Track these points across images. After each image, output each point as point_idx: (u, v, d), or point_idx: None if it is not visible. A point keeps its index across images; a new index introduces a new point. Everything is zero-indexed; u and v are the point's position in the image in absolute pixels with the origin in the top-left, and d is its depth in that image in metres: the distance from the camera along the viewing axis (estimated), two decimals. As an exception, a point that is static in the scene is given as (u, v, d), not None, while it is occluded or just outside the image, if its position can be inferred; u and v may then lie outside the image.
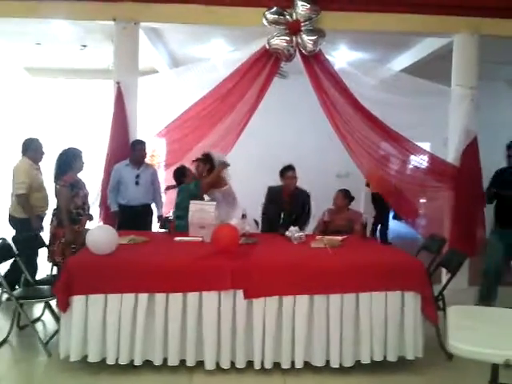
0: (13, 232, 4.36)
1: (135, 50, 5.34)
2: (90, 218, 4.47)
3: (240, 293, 3.09)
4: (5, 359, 3.46)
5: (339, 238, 3.95)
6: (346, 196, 4.73)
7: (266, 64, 5.30)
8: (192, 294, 3.08)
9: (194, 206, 4.20)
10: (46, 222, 4.47)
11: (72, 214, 4.06)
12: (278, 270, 3.16)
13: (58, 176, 4.12)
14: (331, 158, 8.02)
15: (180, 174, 4.76)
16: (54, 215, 4.14)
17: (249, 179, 6.26)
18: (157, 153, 5.57)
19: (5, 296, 3.49)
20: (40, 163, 4.62)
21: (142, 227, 4.64)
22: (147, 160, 5.17)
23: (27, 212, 4.35)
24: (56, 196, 4.15)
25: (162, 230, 4.94)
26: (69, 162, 4.14)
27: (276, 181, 5.11)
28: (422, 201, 5.94)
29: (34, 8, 5.12)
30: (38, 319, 3.90)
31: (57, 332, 3.64)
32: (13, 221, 4.43)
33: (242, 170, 5.32)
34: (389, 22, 5.40)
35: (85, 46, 6.96)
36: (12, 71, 5.10)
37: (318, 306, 3.11)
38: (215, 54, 6.74)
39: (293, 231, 4.02)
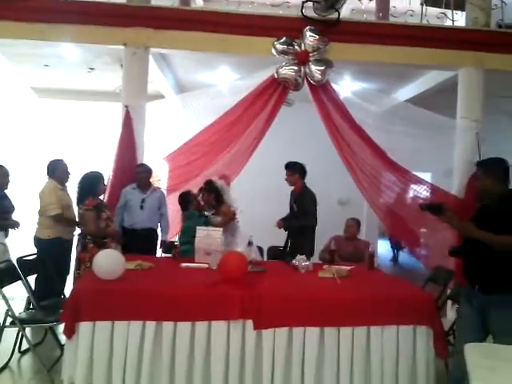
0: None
1: (144, 75, 5.40)
2: (120, 240, 4.50)
3: (249, 323, 3.04)
4: (6, 384, 3.39)
5: (347, 267, 3.93)
6: (358, 224, 4.75)
7: (274, 93, 5.37)
8: (200, 322, 3.02)
9: (200, 231, 4.17)
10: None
11: (97, 237, 4.03)
12: (288, 301, 3.11)
13: (81, 200, 4.13)
14: (333, 184, 8.03)
15: (185, 199, 4.74)
16: (78, 240, 4.15)
17: (253, 206, 6.26)
18: (160, 177, 5.55)
19: (9, 320, 3.41)
20: (66, 184, 4.65)
21: (146, 251, 4.60)
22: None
23: (71, 222, 4.42)
24: (80, 220, 4.17)
25: (166, 255, 4.93)
26: (91, 185, 4.17)
27: (281, 207, 5.15)
28: (422, 230, 5.94)
29: (44, 31, 5.20)
30: (39, 344, 3.81)
31: (59, 358, 3.59)
32: (38, 242, 4.44)
33: (246, 197, 5.32)
34: (395, 55, 5.51)
35: (92, 68, 7.04)
36: (19, 91, 5.07)
37: (329, 339, 3.05)
38: (221, 80, 6.83)
39: (299, 260, 4.00)
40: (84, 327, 2.97)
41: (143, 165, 5.07)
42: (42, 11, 5.16)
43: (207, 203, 4.69)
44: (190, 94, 5.86)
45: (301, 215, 4.87)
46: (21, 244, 4.48)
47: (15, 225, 4.33)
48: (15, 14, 5.10)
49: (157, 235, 5.07)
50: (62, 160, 4.56)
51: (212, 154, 5.40)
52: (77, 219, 4.43)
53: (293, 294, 3.20)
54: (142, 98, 5.34)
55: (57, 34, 5.25)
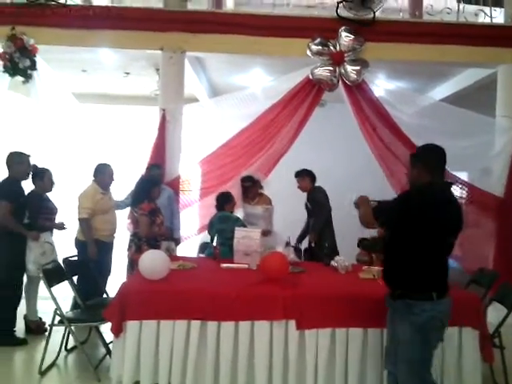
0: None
1: (181, 79, 5.48)
2: (177, 242, 4.58)
3: (292, 323, 3.05)
4: (55, 381, 3.51)
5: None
6: None
7: (309, 94, 5.38)
8: (244, 322, 3.06)
9: (239, 232, 4.22)
10: (120, 247, 4.62)
11: (151, 240, 4.12)
12: (331, 302, 3.11)
13: (136, 203, 4.21)
14: (362, 185, 7.94)
15: (224, 200, 4.75)
16: (132, 241, 4.22)
17: (282, 206, 6.26)
18: (189, 180, 5.60)
19: (57, 319, 3.51)
20: (110, 188, 4.70)
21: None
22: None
23: (86, 236, 4.42)
24: (134, 223, 4.26)
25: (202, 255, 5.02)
26: (146, 190, 4.24)
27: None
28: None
29: (83, 37, 5.34)
30: (84, 342, 3.92)
31: (105, 356, 3.68)
32: (77, 243, 4.53)
33: (275, 197, 5.36)
34: (432, 53, 5.44)
35: (128, 73, 7.17)
36: (62, 97, 5.23)
37: (372, 340, 3.05)
38: (254, 82, 6.86)
39: (339, 261, 3.99)
40: (131, 326, 3.04)
41: (159, 166, 5.12)
42: (80, 18, 5.30)
43: (254, 196, 4.87)
44: (224, 96, 5.90)
45: (316, 210, 5.10)
46: (66, 244, 4.60)
47: (61, 226, 4.44)
48: (55, 20, 5.24)
49: (169, 233, 5.11)
50: (108, 165, 4.63)
51: (246, 157, 5.44)
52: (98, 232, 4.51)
53: (335, 294, 3.20)
54: (179, 102, 5.43)
55: (95, 40, 5.38)
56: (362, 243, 4.50)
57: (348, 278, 3.70)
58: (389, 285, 2.61)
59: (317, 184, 5.34)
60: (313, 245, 5.11)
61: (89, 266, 4.08)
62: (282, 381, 3.04)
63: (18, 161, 4.19)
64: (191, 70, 6.30)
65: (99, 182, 4.56)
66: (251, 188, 4.90)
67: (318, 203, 5.09)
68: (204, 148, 5.69)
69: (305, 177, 5.25)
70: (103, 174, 4.58)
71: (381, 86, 5.80)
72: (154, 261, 3.27)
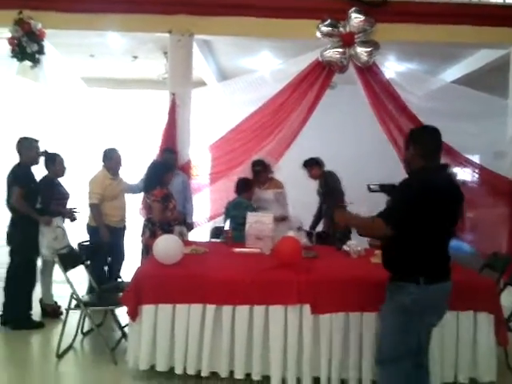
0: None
1: (189, 62, 5.43)
2: (190, 227, 4.68)
3: (306, 307, 3.07)
4: (72, 365, 3.56)
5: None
6: None
7: (319, 76, 5.32)
8: (258, 307, 3.08)
9: (251, 217, 4.23)
10: (134, 232, 4.65)
11: (164, 225, 4.14)
12: (345, 286, 3.13)
13: (148, 188, 4.21)
14: (372, 168, 7.93)
15: (243, 186, 4.71)
16: (146, 226, 4.23)
17: (292, 190, 6.25)
18: (196, 165, 5.58)
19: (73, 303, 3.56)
20: (119, 172, 4.71)
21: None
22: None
23: (96, 221, 4.47)
24: (147, 209, 4.27)
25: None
26: (159, 175, 4.23)
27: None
28: (468, 215, 5.80)
29: (90, 21, 5.28)
30: (99, 326, 3.97)
31: (121, 339, 3.73)
32: (88, 229, 4.59)
33: (285, 182, 5.33)
34: (444, 34, 5.34)
35: (136, 57, 7.12)
36: (71, 81, 5.20)
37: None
38: (262, 65, 6.80)
39: (351, 245, 3.99)
40: (147, 310, 3.08)
41: (172, 151, 5.10)
42: (88, 1, 5.24)
43: (265, 180, 4.86)
44: (233, 80, 5.83)
45: (328, 195, 5.15)
46: (79, 230, 4.63)
47: (71, 214, 4.46)
48: (63, 4, 5.20)
49: (182, 218, 5.12)
50: (115, 150, 4.64)
51: (257, 141, 5.41)
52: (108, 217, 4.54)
53: (349, 279, 3.20)
54: (188, 85, 5.39)
55: (103, 24, 5.33)
56: None
57: (360, 262, 3.71)
58: (384, 267, 2.62)
59: (326, 168, 5.34)
60: (328, 230, 5.10)
61: (101, 251, 4.10)
62: (297, 365, 3.07)
63: (27, 146, 4.20)
64: (199, 53, 6.24)
65: (108, 167, 4.59)
66: (262, 172, 4.86)
67: (330, 188, 5.11)
68: (213, 132, 5.67)
69: (313, 166, 5.30)
70: (111, 159, 4.60)
71: (391, 67, 5.74)
72: (168, 245, 3.29)
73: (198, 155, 5.56)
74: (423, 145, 2.48)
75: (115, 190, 4.61)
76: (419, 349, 2.47)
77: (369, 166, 8.07)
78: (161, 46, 6.50)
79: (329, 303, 3.07)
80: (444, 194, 2.40)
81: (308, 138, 5.66)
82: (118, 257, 4.62)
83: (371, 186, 2.96)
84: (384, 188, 2.93)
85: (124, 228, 4.78)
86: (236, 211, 4.55)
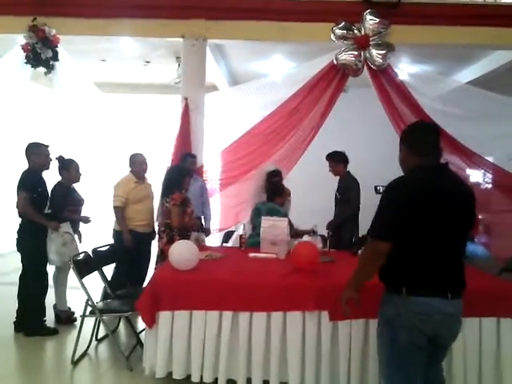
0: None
1: (202, 67, 5.40)
2: (207, 232, 4.64)
3: (325, 314, 3.02)
4: (88, 372, 3.53)
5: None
6: None
7: (333, 80, 5.26)
8: (276, 313, 3.03)
9: (266, 222, 4.18)
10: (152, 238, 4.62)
11: (182, 231, 4.11)
12: (364, 292, 3.04)
13: (167, 193, 4.19)
14: (382, 173, 7.85)
15: (277, 190, 4.62)
16: (163, 232, 4.19)
17: (303, 194, 6.19)
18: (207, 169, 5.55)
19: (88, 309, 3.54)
20: (145, 177, 4.71)
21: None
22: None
23: (120, 225, 4.48)
24: (165, 214, 4.22)
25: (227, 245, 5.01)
26: (177, 180, 4.22)
27: (330, 195, 5.17)
28: (480, 217, 5.71)
29: (104, 26, 5.28)
30: (114, 331, 3.94)
31: (135, 346, 3.70)
32: (113, 233, 4.59)
33: (295, 185, 5.28)
34: (460, 35, 5.26)
35: (148, 62, 7.13)
36: (84, 86, 5.21)
37: (407, 330, 2.99)
38: (274, 69, 6.77)
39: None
40: (164, 316, 3.04)
41: (193, 155, 5.08)
42: (102, 6, 5.25)
43: (282, 189, 4.78)
44: (246, 84, 5.79)
45: (343, 202, 4.97)
46: (94, 234, 4.62)
47: (85, 220, 4.45)
48: (77, 10, 5.21)
49: (201, 223, 5.08)
50: (139, 154, 4.64)
51: (270, 145, 5.36)
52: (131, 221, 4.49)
53: (367, 284, 3.13)
54: (201, 90, 5.37)
55: (117, 29, 5.33)
56: None
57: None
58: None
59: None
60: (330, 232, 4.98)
61: (124, 256, 4.07)
62: (315, 372, 3.02)
63: (35, 152, 4.16)
64: (211, 58, 6.23)
65: (133, 171, 4.61)
66: (280, 183, 4.78)
67: (346, 197, 4.92)
68: (225, 137, 5.64)
69: (340, 161, 5.08)
70: (135, 164, 4.61)
71: (404, 69, 5.69)
72: (183, 251, 3.25)
73: (210, 160, 5.53)
74: (413, 141, 2.27)
75: (140, 194, 4.58)
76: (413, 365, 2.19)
77: (379, 170, 8.03)
78: (173, 51, 6.51)
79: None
80: (437, 193, 2.12)
81: (321, 140, 5.61)
82: (142, 263, 4.58)
83: (378, 188, 2.84)
84: None
85: (151, 234, 4.69)
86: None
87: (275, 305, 3.03)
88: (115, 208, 4.46)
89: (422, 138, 2.27)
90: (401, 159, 2.35)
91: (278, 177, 4.83)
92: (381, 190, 2.33)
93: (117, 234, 4.51)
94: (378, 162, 7.74)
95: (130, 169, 4.63)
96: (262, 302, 3.03)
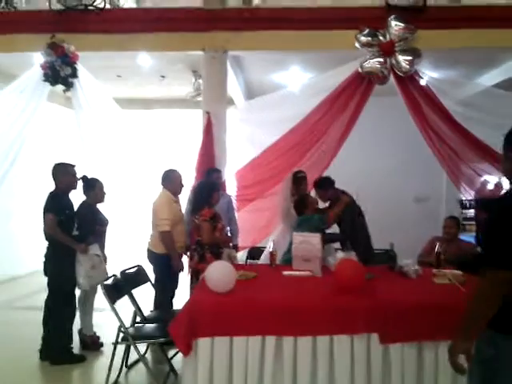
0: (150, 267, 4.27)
1: (223, 80, 5.30)
2: (236, 249, 4.46)
3: (375, 337, 2.82)
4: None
5: (460, 272, 3.63)
6: (458, 224, 4.42)
7: (358, 88, 5.11)
8: (322, 337, 2.84)
9: (297, 237, 4.00)
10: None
11: (213, 248, 3.95)
12: (416, 312, 2.86)
13: (196, 209, 4.03)
14: (408, 181, 7.71)
15: (301, 204, 4.40)
16: (194, 250, 4.02)
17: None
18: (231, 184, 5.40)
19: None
20: (179, 195, 4.47)
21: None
22: None
23: (170, 250, 4.16)
24: (195, 231, 4.05)
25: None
26: (206, 195, 4.06)
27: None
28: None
29: (121, 41, 5.21)
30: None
31: (169, 374, 3.51)
32: (152, 256, 4.28)
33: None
34: (487, 38, 5.13)
35: (163, 76, 7.03)
36: (102, 103, 5.10)
37: (464, 353, 2.78)
38: (291, 80, 6.64)
39: (408, 264, 3.74)
40: (203, 343, 2.85)
41: (218, 170, 4.96)
42: (118, 22, 5.19)
43: (305, 188, 4.63)
44: (263, 98, 5.65)
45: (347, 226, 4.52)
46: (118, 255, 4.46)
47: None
48: (92, 26, 5.14)
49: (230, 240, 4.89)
50: (176, 170, 4.40)
51: (296, 157, 5.20)
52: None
53: (419, 304, 2.94)
54: (222, 103, 5.25)
55: (135, 44, 5.25)
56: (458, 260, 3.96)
57: (423, 283, 3.43)
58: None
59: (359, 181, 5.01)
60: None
61: (163, 281, 3.90)
62: (366, 399, 2.81)
63: (62, 172, 4.06)
64: (230, 70, 6.11)
65: (169, 188, 4.32)
66: (305, 179, 4.62)
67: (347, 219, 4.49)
68: (245, 152, 5.50)
69: (327, 189, 4.54)
70: (172, 181, 4.33)
71: (428, 74, 5.53)
72: (222, 272, 3.07)
73: (233, 176, 5.38)
74: None
75: (179, 214, 4.35)
76: None
77: (405, 178, 7.84)
78: (190, 65, 6.41)
79: (399, 331, 2.81)
80: None
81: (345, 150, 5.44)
82: (174, 285, 4.38)
83: (464, 202, 2.59)
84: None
85: (183, 254, 4.46)
86: (301, 229, 4.15)
87: (321, 328, 2.83)
88: (164, 233, 4.13)
89: None
90: (506, 169, 2.03)
91: (304, 173, 4.67)
92: (468, 205, 2.12)
93: (161, 258, 4.18)
94: (404, 172, 7.61)
95: (163, 186, 4.33)
96: (307, 325, 2.83)
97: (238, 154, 5.49)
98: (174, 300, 4.29)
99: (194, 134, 5.39)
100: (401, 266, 3.76)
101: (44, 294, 4.03)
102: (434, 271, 3.72)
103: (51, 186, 4.06)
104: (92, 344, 4.21)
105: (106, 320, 4.24)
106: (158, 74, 6.90)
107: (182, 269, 4.21)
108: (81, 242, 4.00)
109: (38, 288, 4.03)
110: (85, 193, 4.19)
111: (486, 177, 5.36)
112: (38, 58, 5.09)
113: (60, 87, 5.15)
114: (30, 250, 6.14)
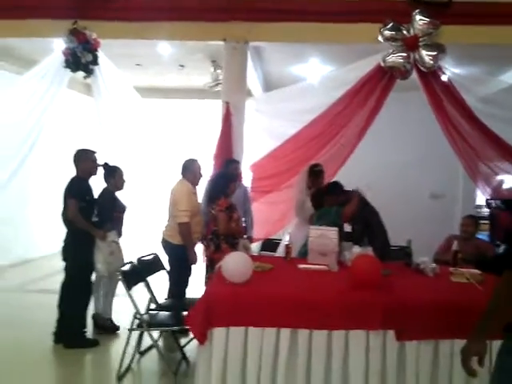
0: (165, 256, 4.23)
1: (243, 70, 5.28)
2: (250, 240, 4.43)
3: (391, 333, 2.80)
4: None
5: (477, 271, 3.58)
6: (476, 223, 4.36)
7: (379, 83, 5.05)
8: (338, 331, 2.82)
9: (314, 231, 3.98)
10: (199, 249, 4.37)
11: (229, 238, 3.96)
12: (434, 310, 2.84)
13: (212, 200, 4.02)
14: (425, 177, 7.64)
15: (320, 198, 4.35)
16: (210, 240, 4.02)
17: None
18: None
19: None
20: (197, 186, 4.41)
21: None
22: None
23: (187, 241, 4.12)
24: (211, 221, 4.04)
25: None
26: (222, 186, 4.05)
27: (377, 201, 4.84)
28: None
29: (142, 29, 5.20)
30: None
31: (181, 361, 3.53)
32: (167, 245, 4.23)
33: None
34: (509, 35, 5.01)
35: (182, 65, 7.02)
36: (123, 91, 5.10)
37: (481, 353, 2.75)
38: (309, 73, 6.58)
39: (425, 262, 3.70)
40: (218, 333, 2.85)
41: (236, 161, 4.93)
42: (139, 10, 5.17)
43: (322, 182, 4.62)
44: (282, 89, 5.61)
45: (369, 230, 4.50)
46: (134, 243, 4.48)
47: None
48: (114, 13, 5.14)
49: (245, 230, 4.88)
50: (196, 160, 4.34)
51: (313, 151, 5.17)
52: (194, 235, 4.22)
53: (437, 301, 2.91)
54: (242, 94, 5.24)
55: (155, 33, 5.23)
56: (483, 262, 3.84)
57: (441, 281, 3.40)
58: None
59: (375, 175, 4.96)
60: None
61: (178, 271, 3.92)
62: (380, 395, 2.80)
63: (84, 157, 4.09)
64: (250, 62, 6.07)
65: (189, 178, 4.27)
66: (321, 173, 4.62)
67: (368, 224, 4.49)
68: (259, 144, 5.47)
69: (340, 194, 4.39)
70: (192, 171, 4.29)
71: (451, 70, 5.45)
72: (239, 262, 3.07)
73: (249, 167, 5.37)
74: None
75: (196, 206, 4.29)
76: None
77: (421, 175, 7.76)
78: (209, 55, 6.38)
79: (416, 329, 2.79)
80: None
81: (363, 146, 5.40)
82: (188, 274, 4.35)
83: (490, 202, 2.53)
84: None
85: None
86: (319, 223, 4.15)
87: (337, 323, 2.82)
88: (183, 224, 4.06)
89: None
90: None
91: (321, 166, 4.66)
92: (493, 205, 2.08)
93: (177, 248, 4.14)
94: (420, 168, 7.53)
95: (183, 176, 4.29)
96: (322, 319, 2.82)
97: (255, 145, 5.48)
98: (188, 289, 4.29)
99: (213, 124, 5.39)
100: (417, 263, 3.73)
101: (57, 277, 4.08)
102: (450, 269, 3.68)
103: (69, 172, 4.09)
104: (106, 327, 4.25)
105: (118, 307, 4.27)
106: (177, 63, 6.89)
107: (195, 261, 4.19)
108: (100, 229, 4.03)
109: (51, 271, 4.07)
110: (105, 180, 4.22)
111: (502, 176, 5.29)
112: (58, 44, 5.11)
113: (80, 74, 5.17)
114: (44, 233, 6.22)
